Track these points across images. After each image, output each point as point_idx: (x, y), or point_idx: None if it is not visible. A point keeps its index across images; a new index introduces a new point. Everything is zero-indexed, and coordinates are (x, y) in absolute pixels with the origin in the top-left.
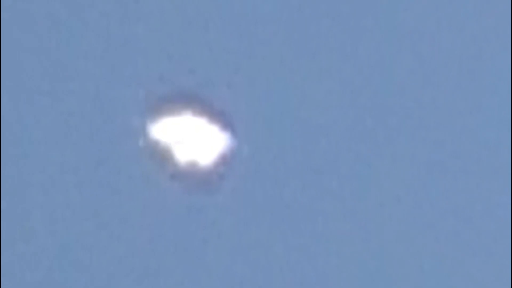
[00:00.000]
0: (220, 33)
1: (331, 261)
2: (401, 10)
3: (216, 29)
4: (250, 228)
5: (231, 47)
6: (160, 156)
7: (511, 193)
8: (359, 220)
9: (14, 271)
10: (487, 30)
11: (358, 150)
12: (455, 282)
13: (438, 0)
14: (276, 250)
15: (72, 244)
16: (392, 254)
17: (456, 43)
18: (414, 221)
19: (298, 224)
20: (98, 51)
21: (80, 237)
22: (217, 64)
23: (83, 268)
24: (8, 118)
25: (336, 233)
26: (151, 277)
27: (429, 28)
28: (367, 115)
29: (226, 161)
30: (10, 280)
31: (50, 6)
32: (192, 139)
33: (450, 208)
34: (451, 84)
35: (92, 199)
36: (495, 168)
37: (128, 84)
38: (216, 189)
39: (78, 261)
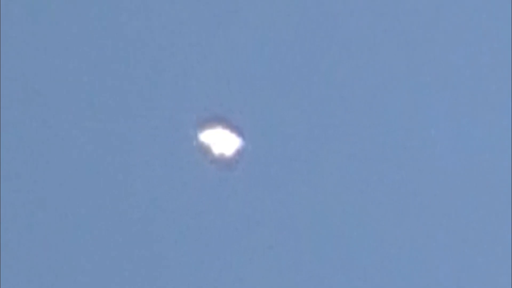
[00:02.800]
0: (239, 80)
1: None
2: (400, 14)
3: (237, 78)
4: (253, 190)
5: (244, 89)
6: (204, 150)
7: (511, 193)
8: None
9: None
10: (487, 30)
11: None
12: (455, 281)
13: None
14: (270, 203)
15: (154, 201)
16: (391, 251)
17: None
18: (414, 221)
19: (287, 186)
20: (172, 89)
21: (157, 198)
22: (234, 100)
23: (160, 214)
24: (107, 129)
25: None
26: (200, 217)
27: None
28: (363, 114)
29: (239, 153)
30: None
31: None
32: (221, 141)
33: (449, 206)
34: (449, 87)
35: (164, 177)
36: (494, 168)
37: (187, 110)
38: (234, 168)
39: (158, 208)
